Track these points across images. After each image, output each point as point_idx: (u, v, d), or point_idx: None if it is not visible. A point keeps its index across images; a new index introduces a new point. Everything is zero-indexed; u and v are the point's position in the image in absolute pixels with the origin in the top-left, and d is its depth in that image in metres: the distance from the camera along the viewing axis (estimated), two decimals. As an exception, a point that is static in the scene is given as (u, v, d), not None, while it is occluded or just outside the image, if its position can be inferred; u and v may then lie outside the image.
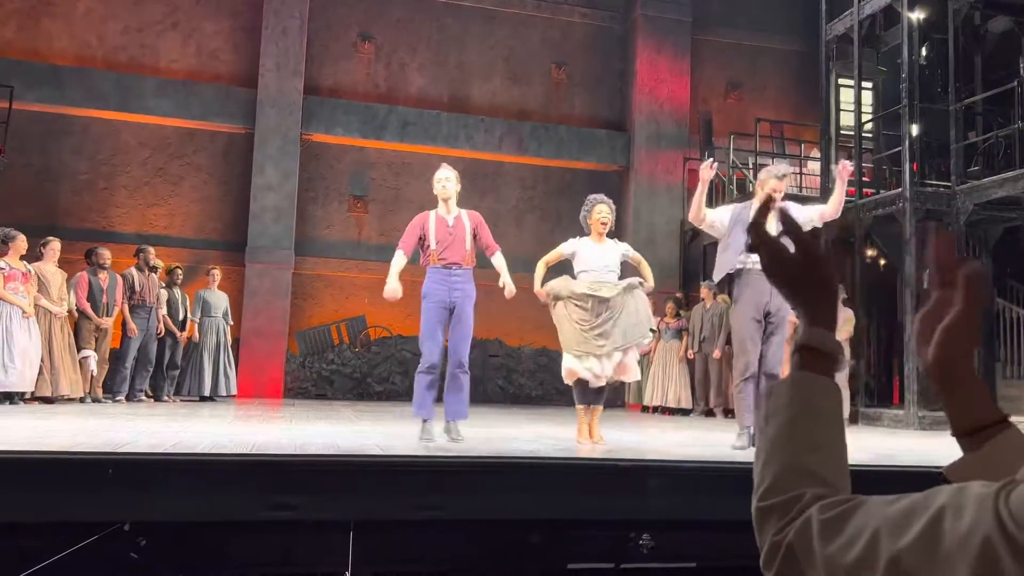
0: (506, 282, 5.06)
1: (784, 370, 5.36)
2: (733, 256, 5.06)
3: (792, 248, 0.88)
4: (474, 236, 5.11)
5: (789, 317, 5.06)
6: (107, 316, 8.59)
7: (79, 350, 8.27)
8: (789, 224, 0.90)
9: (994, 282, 10.23)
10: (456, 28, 13.22)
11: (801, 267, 0.88)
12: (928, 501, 0.66)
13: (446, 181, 5.10)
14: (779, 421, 0.82)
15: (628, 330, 5.09)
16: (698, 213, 5.10)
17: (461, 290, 4.98)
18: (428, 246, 5.01)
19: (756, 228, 0.91)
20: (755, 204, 4.98)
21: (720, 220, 5.16)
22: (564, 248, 5.34)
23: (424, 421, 4.89)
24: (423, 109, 12.74)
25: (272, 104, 11.96)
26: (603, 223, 5.26)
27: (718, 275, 5.31)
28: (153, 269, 9.17)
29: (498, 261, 5.18)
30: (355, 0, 12.81)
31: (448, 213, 5.09)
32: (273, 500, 3.20)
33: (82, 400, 8.07)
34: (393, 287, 4.97)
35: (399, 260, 5.04)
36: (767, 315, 5.02)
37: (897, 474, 4.09)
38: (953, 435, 0.87)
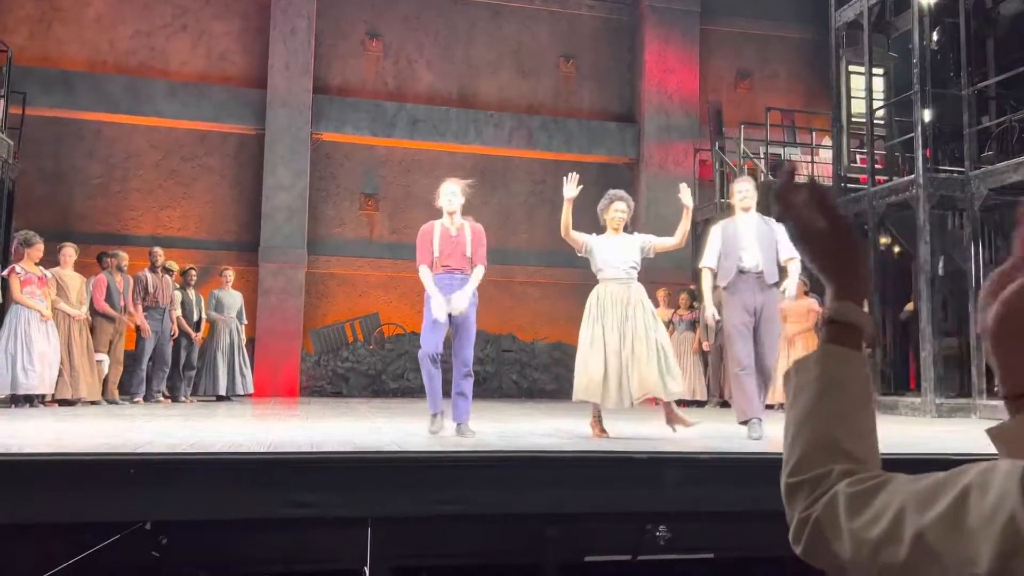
0: (464, 293, 5.02)
1: (779, 369, 5.58)
2: (733, 264, 5.40)
3: (822, 220, 0.90)
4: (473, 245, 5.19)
5: (780, 310, 5.38)
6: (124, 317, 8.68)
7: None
8: (821, 196, 0.91)
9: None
10: (463, 23, 13.21)
11: (829, 237, 0.89)
12: (955, 479, 0.66)
13: (452, 196, 5.17)
14: (807, 396, 0.82)
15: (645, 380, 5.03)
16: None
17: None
18: (431, 253, 5.11)
19: (785, 196, 0.92)
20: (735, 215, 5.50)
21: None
22: (584, 238, 5.36)
23: (434, 415, 5.01)
24: (432, 105, 12.75)
25: (282, 104, 12.00)
26: (619, 220, 5.34)
27: (722, 281, 5.53)
28: (167, 271, 9.23)
29: (476, 273, 5.16)
30: (362, -2, 12.84)
31: (452, 224, 5.17)
32: (291, 497, 3.22)
33: (95, 403, 8.12)
34: (441, 299, 4.97)
35: (428, 274, 5.07)
36: (755, 312, 5.31)
37: (917, 462, 4.07)
38: (1002, 397, 0.84)
